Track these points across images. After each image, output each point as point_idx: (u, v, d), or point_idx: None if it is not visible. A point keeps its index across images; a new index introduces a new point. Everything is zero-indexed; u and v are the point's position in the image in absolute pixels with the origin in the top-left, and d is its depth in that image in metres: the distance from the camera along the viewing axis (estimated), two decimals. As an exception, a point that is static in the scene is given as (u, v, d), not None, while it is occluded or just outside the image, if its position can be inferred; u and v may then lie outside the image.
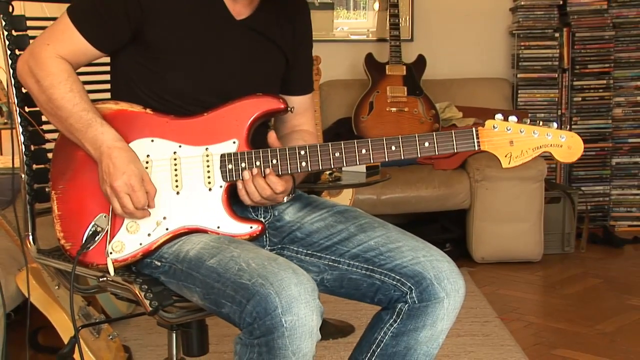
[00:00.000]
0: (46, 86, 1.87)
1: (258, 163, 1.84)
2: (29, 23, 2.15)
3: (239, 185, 1.85)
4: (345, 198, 3.78)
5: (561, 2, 5.03)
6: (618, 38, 5.04)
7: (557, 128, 1.80)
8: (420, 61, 4.92)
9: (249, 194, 1.84)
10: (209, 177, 1.87)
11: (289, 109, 1.91)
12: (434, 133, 1.81)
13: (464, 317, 3.41)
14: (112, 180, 1.81)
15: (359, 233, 1.91)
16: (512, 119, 1.80)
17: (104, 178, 1.83)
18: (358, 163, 1.84)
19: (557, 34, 5.03)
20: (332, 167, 1.86)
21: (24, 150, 2.12)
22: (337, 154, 1.84)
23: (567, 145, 1.79)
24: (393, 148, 1.82)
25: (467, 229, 4.51)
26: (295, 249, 1.96)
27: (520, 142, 1.80)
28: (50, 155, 2.09)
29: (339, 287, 1.92)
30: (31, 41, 2.06)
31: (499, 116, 1.80)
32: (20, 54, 2.08)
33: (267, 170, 1.83)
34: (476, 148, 1.81)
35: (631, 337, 3.33)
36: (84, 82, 1.97)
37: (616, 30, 5.03)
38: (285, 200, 1.92)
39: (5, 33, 2.09)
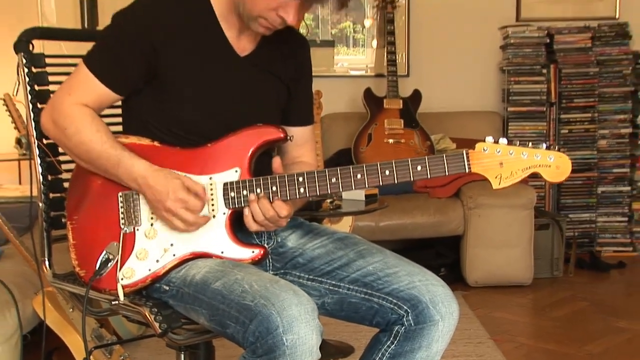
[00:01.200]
0: (73, 132, 1.86)
1: (259, 190, 1.83)
2: (48, 60, 2.16)
3: (246, 211, 1.84)
4: (345, 225, 3.77)
5: (548, 41, 5.06)
6: (602, 74, 5.05)
7: (546, 149, 1.76)
8: (416, 95, 4.93)
9: (253, 214, 1.83)
10: (212, 205, 1.86)
11: (288, 137, 1.91)
12: (426, 157, 1.78)
13: (459, 338, 3.39)
14: (163, 203, 1.81)
15: (358, 259, 1.90)
16: (502, 141, 1.77)
17: (155, 207, 1.84)
18: (354, 188, 1.83)
19: (544, 70, 5.04)
20: (329, 192, 1.85)
21: (41, 180, 2.12)
22: (333, 180, 1.82)
23: (556, 165, 1.76)
24: (387, 172, 1.80)
25: (461, 254, 4.49)
26: (297, 274, 1.95)
27: (509, 164, 1.76)
28: (66, 184, 2.10)
29: (339, 310, 1.91)
30: (51, 90, 2.07)
31: (489, 139, 1.77)
32: (39, 90, 2.11)
33: (275, 198, 1.82)
34: (467, 170, 1.77)
35: (617, 358, 3.32)
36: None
37: (600, 67, 5.05)
38: (284, 225, 1.89)
39: (26, 70, 2.11)
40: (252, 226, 1.84)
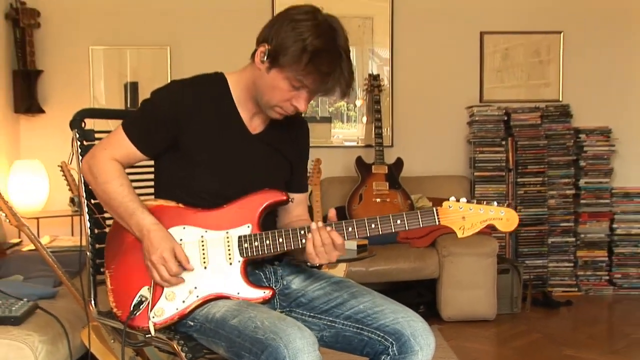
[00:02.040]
0: (102, 181, 1.89)
1: (268, 242, 1.83)
2: (97, 135, 2.17)
3: (309, 235, 1.81)
4: (340, 270, 3.75)
5: (506, 118, 5.09)
6: (549, 146, 5.07)
7: (498, 205, 1.82)
8: (399, 162, 4.95)
9: (313, 240, 1.79)
10: (229, 254, 1.86)
11: (290, 199, 1.92)
12: (404, 213, 1.82)
13: (435, 365, 3.34)
14: (150, 255, 1.82)
15: (351, 299, 1.89)
16: (463, 200, 1.82)
17: (145, 254, 1.84)
18: (346, 239, 1.83)
19: (503, 142, 5.06)
20: None
21: (89, 233, 2.12)
22: None
23: (506, 218, 1.82)
24: (373, 226, 1.82)
25: (437, 294, 4.44)
26: (300, 311, 1.93)
27: (470, 217, 1.81)
28: (109, 237, 2.09)
29: (335, 342, 1.90)
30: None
31: (452, 198, 1.83)
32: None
33: (329, 228, 1.80)
34: (437, 223, 1.81)
35: (568, 381, 3.26)
36: (135, 181, 1.99)
37: (548, 140, 5.07)
38: (334, 261, 1.84)
39: (79, 143, 2.12)
40: (311, 249, 1.80)
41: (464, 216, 1.80)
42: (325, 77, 1.78)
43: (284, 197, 1.90)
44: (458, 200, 1.81)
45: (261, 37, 1.85)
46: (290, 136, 2.05)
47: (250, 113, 1.95)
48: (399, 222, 1.80)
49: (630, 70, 5.32)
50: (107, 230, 2.13)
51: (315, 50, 1.75)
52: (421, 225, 1.81)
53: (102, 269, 2.02)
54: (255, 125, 1.97)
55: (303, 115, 2.06)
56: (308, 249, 1.81)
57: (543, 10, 5.27)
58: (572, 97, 5.24)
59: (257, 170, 1.96)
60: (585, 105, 5.23)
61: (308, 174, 2.21)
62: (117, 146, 1.91)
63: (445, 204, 1.82)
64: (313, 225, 1.81)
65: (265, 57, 1.81)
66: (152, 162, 2.03)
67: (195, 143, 1.89)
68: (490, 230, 4.65)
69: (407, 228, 1.81)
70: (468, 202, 1.81)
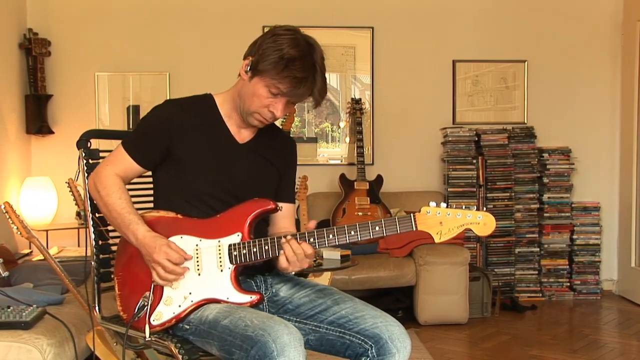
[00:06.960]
0: (104, 195, 1.90)
1: (255, 250, 1.82)
2: (101, 154, 2.17)
3: (281, 252, 1.81)
4: (325, 278, 3.75)
5: (477, 139, 5.12)
6: (516, 164, 5.10)
7: (475, 210, 1.75)
8: (379, 179, 4.96)
9: (285, 253, 1.80)
10: (220, 262, 1.85)
11: (278, 208, 1.91)
12: (382, 220, 1.77)
13: (412, 365, 3.33)
14: (152, 256, 1.82)
15: (334, 305, 1.89)
16: (442, 205, 1.76)
17: (147, 259, 1.85)
18: (327, 245, 1.82)
19: (474, 161, 5.09)
20: None
21: (94, 244, 2.12)
22: (311, 240, 1.82)
23: (483, 223, 1.75)
24: (352, 233, 1.79)
25: (414, 300, 4.45)
26: (287, 317, 1.93)
27: (447, 222, 1.75)
28: (113, 248, 2.08)
29: (320, 345, 1.89)
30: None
31: (432, 203, 1.76)
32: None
33: (299, 239, 1.80)
34: (414, 229, 1.75)
35: (533, 380, 3.26)
36: (137, 195, 1.99)
37: (514, 159, 5.10)
38: (305, 267, 1.84)
39: (85, 162, 2.12)
40: (283, 264, 1.81)
41: (441, 221, 1.75)
42: (299, 83, 1.80)
43: (273, 206, 1.90)
44: (438, 205, 1.75)
45: (247, 52, 1.90)
46: (278, 147, 2.06)
47: (237, 125, 1.97)
48: (377, 228, 1.78)
49: (588, 96, 5.38)
50: (110, 242, 2.13)
51: (291, 58, 1.79)
52: (399, 232, 1.76)
53: (112, 276, 2.02)
54: (243, 136, 1.99)
55: (291, 134, 2.07)
56: (281, 261, 1.81)
57: (509, 41, 5.33)
58: (536, 120, 5.29)
59: (245, 175, 1.96)
60: (548, 127, 5.28)
61: (295, 190, 2.20)
62: (117, 162, 1.94)
63: (423, 209, 1.75)
64: (283, 240, 1.80)
65: (249, 68, 1.85)
66: (151, 179, 2.03)
67: (186, 153, 1.91)
68: (462, 241, 4.67)
69: (385, 234, 1.76)
70: (447, 206, 1.75)
